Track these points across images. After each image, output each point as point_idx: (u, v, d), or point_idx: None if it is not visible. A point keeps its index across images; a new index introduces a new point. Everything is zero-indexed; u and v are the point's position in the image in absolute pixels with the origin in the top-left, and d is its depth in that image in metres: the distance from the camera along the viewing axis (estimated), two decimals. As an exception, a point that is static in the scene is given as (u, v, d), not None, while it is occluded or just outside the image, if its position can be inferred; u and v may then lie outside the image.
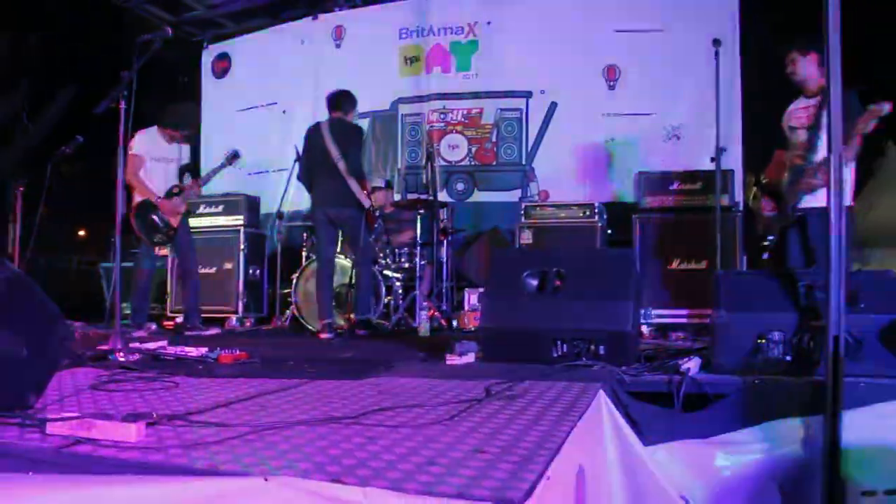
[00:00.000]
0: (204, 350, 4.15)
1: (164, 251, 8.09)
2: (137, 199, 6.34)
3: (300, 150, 8.04)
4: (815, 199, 4.78)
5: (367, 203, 6.34)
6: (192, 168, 6.77)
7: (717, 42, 4.85)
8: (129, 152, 6.13)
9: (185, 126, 6.66)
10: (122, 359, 3.97)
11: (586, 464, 2.32)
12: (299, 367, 3.86)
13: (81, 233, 16.46)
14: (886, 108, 4.43)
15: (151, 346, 4.40)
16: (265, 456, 1.92)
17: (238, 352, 4.14)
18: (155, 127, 6.46)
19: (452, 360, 3.93)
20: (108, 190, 6.17)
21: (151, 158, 6.42)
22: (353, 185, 6.23)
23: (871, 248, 9.87)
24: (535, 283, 4.05)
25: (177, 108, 6.72)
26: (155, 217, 6.35)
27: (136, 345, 4.39)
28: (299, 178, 6.68)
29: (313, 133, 6.45)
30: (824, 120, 4.70)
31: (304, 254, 7.82)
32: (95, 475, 1.71)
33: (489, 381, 3.10)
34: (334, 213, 6.32)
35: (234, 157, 6.79)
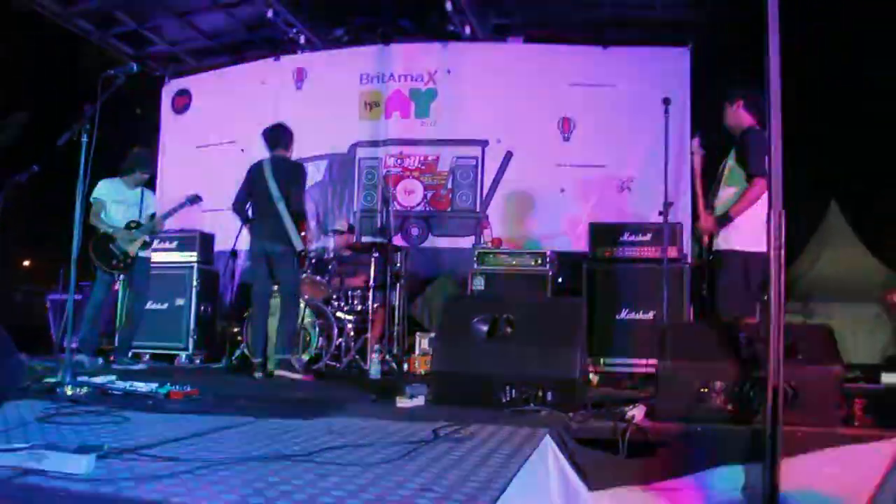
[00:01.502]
0: (153, 385, 4.13)
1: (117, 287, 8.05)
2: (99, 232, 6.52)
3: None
4: (725, 242, 4.86)
5: (299, 246, 6.26)
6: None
7: (667, 101, 5.02)
8: (91, 198, 6.44)
9: (141, 168, 6.87)
10: (69, 392, 3.93)
11: (531, 506, 2.37)
12: (251, 404, 3.86)
13: (26, 263, 16.13)
14: None
15: (99, 380, 4.36)
16: (216, 490, 1.95)
17: (189, 388, 4.13)
18: (117, 178, 6.74)
19: (403, 402, 3.96)
20: (61, 221, 6.19)
21: (112, 201, 6.65)
22: (289, 225, 6.17)
23: (815, 301, 10.10)
24: (484, 328, 4.12)
25: (131, 154, 6.90)
26: (111, 246, 6.53)
27: (85, 378, 4.34)
28: (233, 207, 6.50)
29: (255, 170, 6.40)
30: (725, 164, 4.91)
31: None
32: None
33: (438, 423, 3.14)
34: (270, 246, 6.23)
35: (195, 199, 7.02)
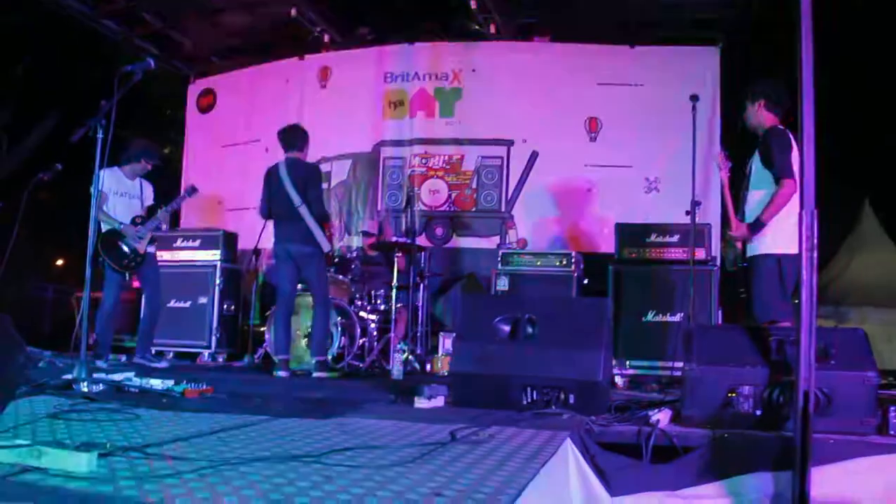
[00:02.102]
0: (170, 383, 4.09)
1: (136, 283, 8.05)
2: (104, 228, 6.34)
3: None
4: (759, 246, 4.77)
5: (326, 247, 6.34)
6: (156, 207, 6.74)
7: (694, 98, 4.90)
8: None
9: (147, 157, 6.67)
10: (85, 389, 3.89)
11: (549, 512, 2.28)
12: (265, 404, 3.80)
13: (60, 262, 16.28)
14: None
15: (117, 377, 4.32)
16: (219, 492, 1.87)
17: (204, 386, 4.07)
18: (116, 166, 6.55)
19: (421, 403, 3.88)
20: (85, 219, 6.17)
21: (113, 193, 6.49)
22: (314, 226, 6.22)
23: (848, 305, 9.92)
24: (507, 329, 4.02)
25: (135, 143, 6.78)
26: (121, 243, 6.39)
27: (101, 375, 4.31)
28: (262, 214, 6.59)
29: (272, 174, 6.42)
30: (751, 166, 4.80)
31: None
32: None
33: (456, 425, 3.06)
34: (295, 249, 6.26)
35: (192, 191, 6.94)
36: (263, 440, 2.69)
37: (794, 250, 4.46)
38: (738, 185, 4.98)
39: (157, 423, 3.01)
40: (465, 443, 2.74)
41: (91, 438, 2.59)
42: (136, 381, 4.19)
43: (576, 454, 2.95)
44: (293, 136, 6.50)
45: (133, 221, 6.49)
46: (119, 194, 6.54)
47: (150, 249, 6.66)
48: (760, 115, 4.90)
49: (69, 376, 4.13)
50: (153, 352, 7.00)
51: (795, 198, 4.50)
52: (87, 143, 4.42)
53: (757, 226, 4.75)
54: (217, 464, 2.20)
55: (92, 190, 4.39)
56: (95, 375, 4.18)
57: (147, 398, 3.79)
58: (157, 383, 4.10)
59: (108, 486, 1.90)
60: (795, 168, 4.53)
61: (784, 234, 4.49)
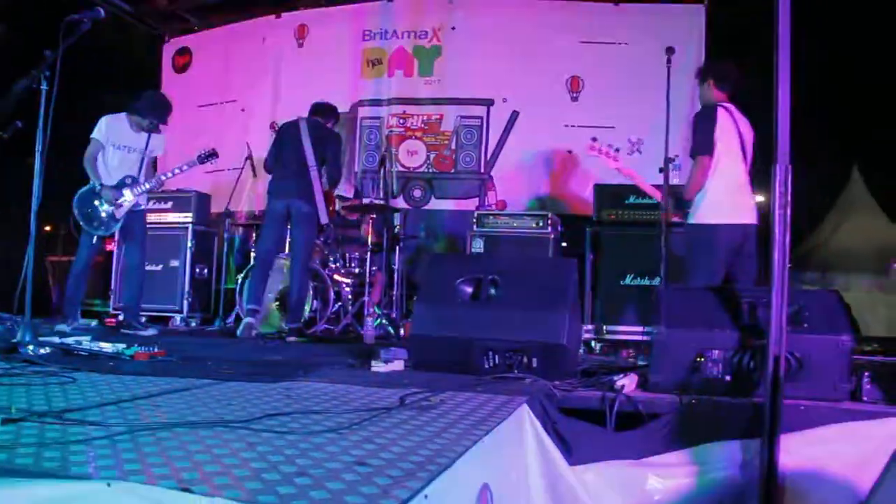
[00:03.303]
0: (121, 346, 3.93)
1: (110, 247, 7.86)
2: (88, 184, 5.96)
3: (251, 147, 7.89)
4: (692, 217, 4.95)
5: (325, 219, 6.20)
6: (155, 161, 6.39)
7: (669, 50, 4.73)
8: (91, 136, 5.94)
9: (154, 115, 6.14)
10: (30, 352, 3.73)
11: (494, 482, 2.13)
12: (216, 368, 3.63)
13: (47, 228, 16.02)
14: None
15: (67, 340, 4.16)
16: (124, 459, 1.72)
17: (156, 349, 3.92)
18: (124, 113, 6.11)
19: (378, 367, 3.73)
20: (62, 181, 5.90)
21: (111, 145, 6.01)
22: (319, 195, 6.13)
23: (834, 272, 9.85)
24: (469, 290, 3.86)
25: (145, 96, 6.22)
26: (96, 203, 5.94)
27: (51, 339, 4.14)
28: (266, 167, 6.45)
29: (290, 128, 6.32)
30: None
31: (252, 254, 7.60)
32: None
33: (409, 390, 2.92)
34: (296, 206, 6.12)
35: (210, 154, 6.43)
36: (198, 405, 2.53)
37: (710, 221, 4.74)
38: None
39: (93, 386, 2.85)
40: (413, 409, 2.59)
41: (12, 403, 2.43)
42: (87, 344, 4.03)
43: (533, 420, 2.80)
44: (323, 108, 6.56)
45: (122, 182, 6.00)
46: (117, 147, 6.04)
47: (140, 208, 6.21)
48: (710, 94, 4.97)
49: (15, 340, 3.97)
50: (142, 319, 6.62)
51: (716, 172, 4.75)
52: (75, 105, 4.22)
53: (679, 203, 5.07)
54: (137, 429, 2.05)
55: (37, 141, 4.16)
56: (43, 339, 4.02)
57: (92, 362, 3.63)
58: (107, 346, 3.94)
59: (4, 453, 1.74)
60: (720, 147, 4.75)
61: (709, 204, 4.75)
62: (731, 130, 4.81)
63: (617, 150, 5.48)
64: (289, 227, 6.45)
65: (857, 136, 10.32)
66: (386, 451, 1.89)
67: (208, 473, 1.61)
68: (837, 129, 9.81)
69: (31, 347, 3.79)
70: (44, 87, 4.05)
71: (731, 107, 4.91)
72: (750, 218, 4.88)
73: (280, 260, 6.64)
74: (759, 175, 4.57)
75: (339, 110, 8.96)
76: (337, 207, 7.92)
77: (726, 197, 4.79)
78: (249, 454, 1.81)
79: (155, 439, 1.94)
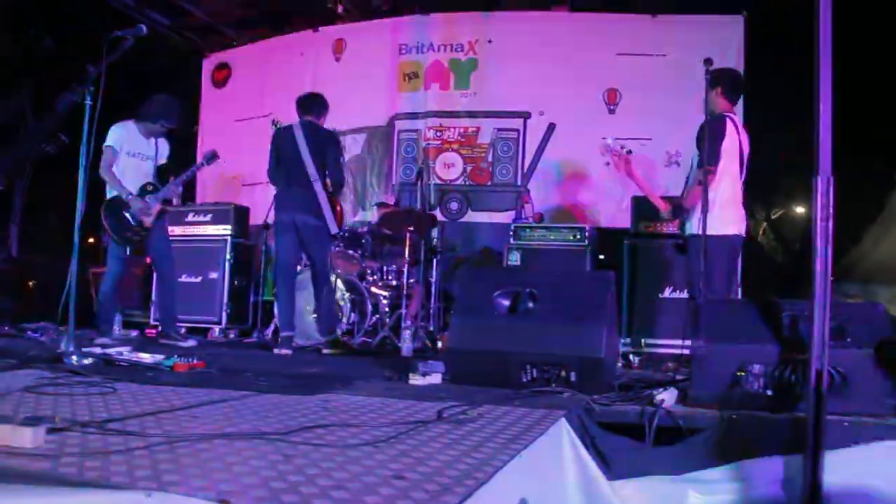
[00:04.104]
0: (160, 357, 3.98)
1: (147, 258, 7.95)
2: (109, 195, 5.88)
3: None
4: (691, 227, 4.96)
5: (333, 229, 6.02)
6: (169, 167, 6.22)
7: (707, 61, 4.69)
8: (104, 144, 5.77)
9: (166, 119, 6.02)
10: (74, 362, 3.79)
11: (532, 496, 2.11)
12: (254, 379, 3.66)
13: (91, 240, 16.29)
14: None
15: (109, 350, 4.22)
16: (163, 469, 1.74)
17: (195, 361, 3.96)
18: (131, 121, 5.99)
19: (416, 380, 3.72)
20: (101, 194, 5.92)
21: (125, 153, 5.91)
22: (325, 204, 5.91)
23: (878, 283, 9.67)
24: (506, 303, 3.84)
25: (155, 100, 6.07)
26: (126, 214, 5.84)
27: (92, 349, 4.20)
28: (269, 177, 6.24)
29: (284, 135, 6.10)
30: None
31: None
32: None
33: (446, 403, 2.91)
34: (301, 220, 5.92)
35: (212, 157, 6.32)
36: (236, 416, 2.55)
37: (730, 231, 4.77)
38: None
39: (133, 397, 2.88)
40: (450, 422, 2.58)
41: (56, 413, 2.46)
42: (127, 355, 4.09)
43: (571, 435, 2.78)
44: (313, 102, 6.19)
45: (144, 189, 5.94)
46: (130, 154, 5.95)
47: (161, 219, 6.13)
48: (718, 102, 4.98)
49: (60, 349, 4.03)
50: (182, 330, 6.56)
51: (723, 184, 4.81)
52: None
53: (679, 210, 5.09)
54: (175, 440, 2.07)
55: (81, 155, 4.23)
56: (86, 349, 4.08)
57: (133, 372, 3.68)
58: (147, 357, 3.99)
59: (46, 462, 1.77)
60: (725, 157, 4.80)
61: (721, 215, 4.75)
62: (736, 142, 4.87)
63: (629, 151, 5.36)
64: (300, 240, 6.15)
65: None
66: (423, 464, 1.88)
67: (246, 485, 1.62)
68: (882, 138, 9.65)
69: (74, 358, 3.85)
70: (88, 101, 4.10)
71: (735, 118, 4.98)
72: (742, 230, 5.04)
73: (307, 272, 6.52)
74: (804, 187, 4.53)
75: (377, 124, 9.10)
76: (375, 216, 7.96)
77: (733, 207, 4.88)
78: (286, 466, 1.81)
79: (193, 450, 1.96)
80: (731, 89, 4.99)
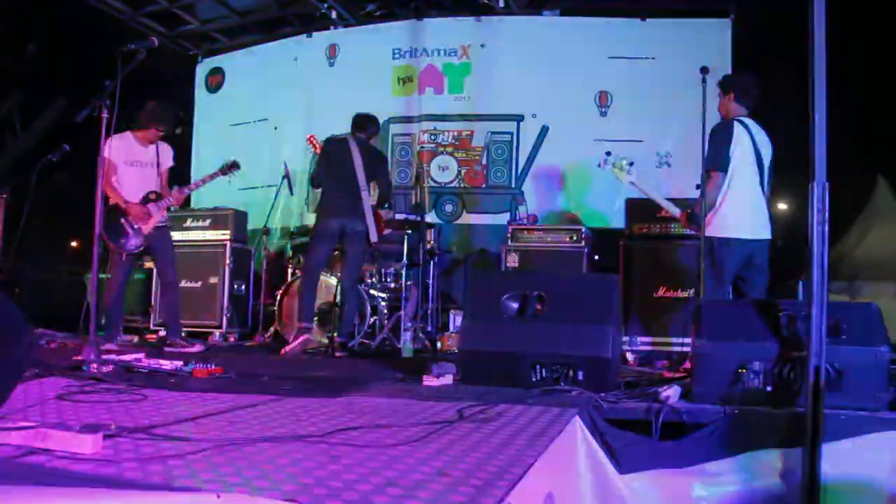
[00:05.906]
0: (179, 363, 4.10)
1: (149, 264, 8.04)
2: (110, 203, 5.95)
3: (289, 167, 8.05)
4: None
5: (374, 237, 6.34)
6: (175, 170, 6.39)
7: (704, 70, 4.84)
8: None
9: (158, 123, 6.10)
10: (94, 370, 3.90)
11: (557, 490, 2.26)
12: (273, 383, 3.79)
13: (74, 244, 16.33)
14: None
15: (127, 357, 4.33)
16: (223, 472, 1.87)
17: (213, 366, 4.08)
18: (129, 132, 6.08)
19: (429, 381, 3.87)
20: (93, 199, 5.99)
21: (123, 163, 6.00)
22: (369, 214, 6.30)
23: (862, 280, 9.82)
24: (515, 306, 4.00)
25: (147, 107, 6.14)
26: (123, 221, 5.95)
27: (111, 356, 4.31)
28: (313, 183, 6.66)
29: (339, 146, 6.46)
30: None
31: (289, 270, 7.77)
32: (38, 486, 1.65)
33: (464, 403, 3.05)
34: (350, 225, 6.28)
35: (231, 166, 6.50)
36: (270, 420, 2.68)
37: (722, 234, 4.85)
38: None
39: (164, 403, 3.01)
40: (473, 421, 2.72)
41: (97, 419, 2.59)
42: (146, 361, 4.20)
43: (584, 431, 2.93)
44: (367, 122, 6.64)
45: (147, 198, 6.05)
46: (129, 164, 6.03)
47: (164, 223, 6.22)
48: (729, 107, 5.06)
49: (79, 357, 4.14)
50: (184, 334, 6.64)
51: (730, 186, 4.87)
52: (97, 123, 4.36)
53: (692, 217, 5.15)
54: (222, 444, 2.20)
55: (98, 166, 4.34)
56: (105, 357, 4.19)
57: (155, 379, 3.80)
58: (166, 363, 4.11)
59: (112, 468, 1.90)
60: (735, 162, 4.87)
61: (717, 219, 4.87)
62: (748, 146, 4.91)
63: (631, 163, 5.56)
64: (338, 243, 6.54)
65: (883, 142, 10.32)
66: (461, 462, 2.03)
67: (304, 485, 1.75)
68: (862, 134, 9.82)
69: (94, 365, 3.95)
70: (104, 114, 4.21)
71: (750, 121, 4.99)
72: (763, 233, 5.01)
73: (322, 277, 6.72)
74: (783, 187, 4.68)
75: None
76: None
77: (739, 212, 4.90)
78: (336, 466, 1.95)
79: (244, 454, 2.09)
80: (744, 94, 5.02)
